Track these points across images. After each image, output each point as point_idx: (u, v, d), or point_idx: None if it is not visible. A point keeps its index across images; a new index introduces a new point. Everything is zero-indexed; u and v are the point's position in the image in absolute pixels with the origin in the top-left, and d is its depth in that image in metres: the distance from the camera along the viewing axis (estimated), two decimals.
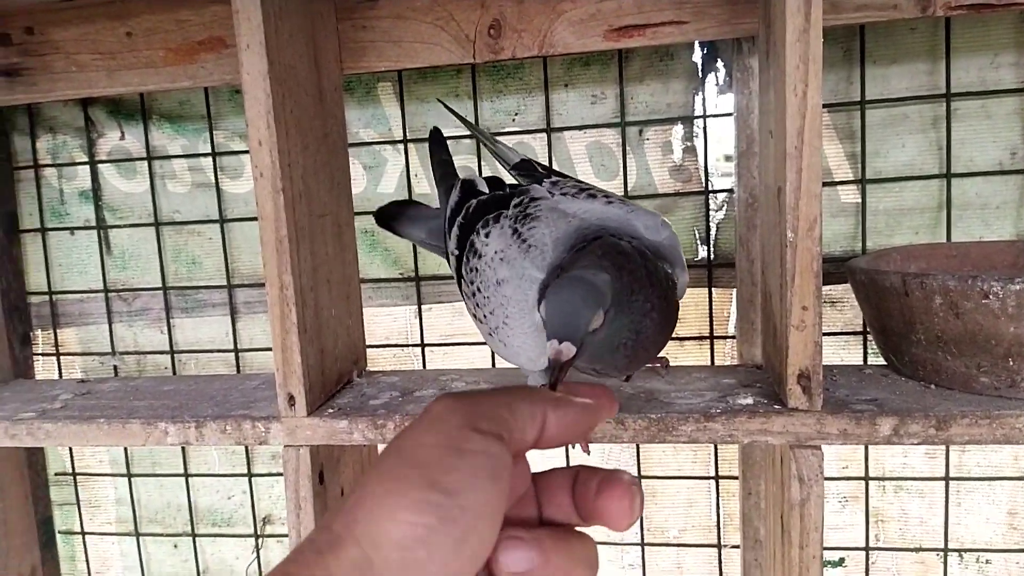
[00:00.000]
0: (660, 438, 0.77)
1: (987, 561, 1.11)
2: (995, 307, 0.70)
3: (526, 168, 0.86)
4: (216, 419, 0.85)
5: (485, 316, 0.78)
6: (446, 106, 0.99)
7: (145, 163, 1.21)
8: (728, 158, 1.07)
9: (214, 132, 1.18)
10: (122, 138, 1.22)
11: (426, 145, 1.12)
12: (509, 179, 0.89)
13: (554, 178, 0.83)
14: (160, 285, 1.24)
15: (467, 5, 0.93)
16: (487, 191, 0.84)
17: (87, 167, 1.23)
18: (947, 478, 1.08)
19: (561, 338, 0.59)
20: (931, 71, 1.02)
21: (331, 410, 0.85)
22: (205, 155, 1.19)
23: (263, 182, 0.78)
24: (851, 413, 0.74)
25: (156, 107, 1.20)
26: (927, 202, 1.05)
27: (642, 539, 1.18)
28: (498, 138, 1.10)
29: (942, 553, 1.11)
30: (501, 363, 1.17)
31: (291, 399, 0.82)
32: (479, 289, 0.78)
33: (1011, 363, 0.72)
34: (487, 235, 0.78)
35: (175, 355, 1.26)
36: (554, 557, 0.39)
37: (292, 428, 0.83)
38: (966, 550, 1.11)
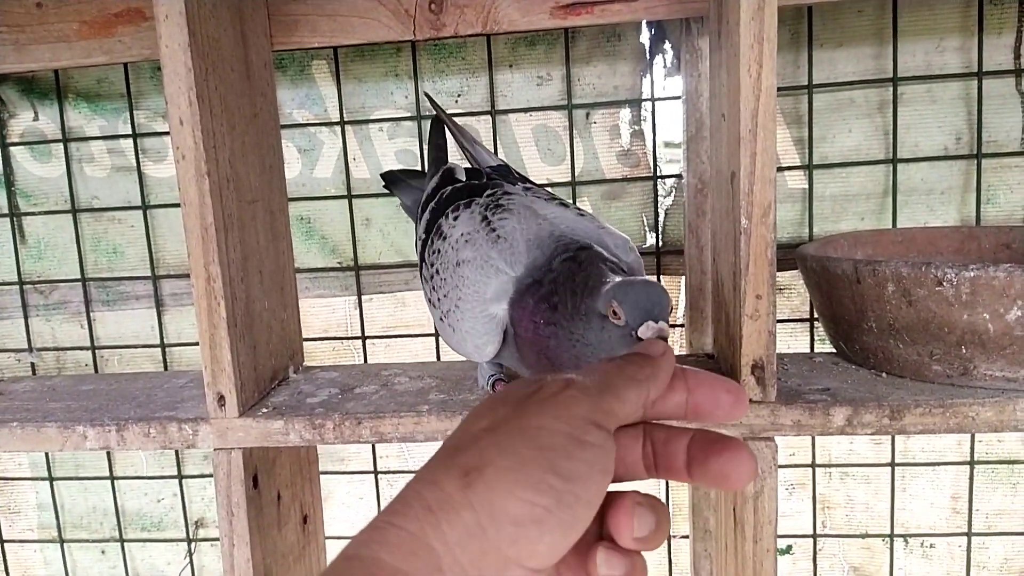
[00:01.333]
0: None
1: (931, 545, 1.12)
2: (949, 294, 0.69)
3: (501, 173, 0.85)
4: (139, 421, 0.79)
5: (439, 299, 0.76)
6: (429, 98, 0.95)
7: (61, 145, 1.12)
8: (669, 144, 1.05)
9: (135, 112, 1.11)
10: (35, 119, 1.13)
11: (365, 127, 1.09)
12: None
13: (528, 185, 0.83)
14: (79, 276, 1.16)
15: None
16: (464, 179, 0.83)
17: None
18: (892, 464, 1.09)
19: (655, 318, 0.59)
20: (877, 55, 1.01)
21: (265, 410, 0.80)
22: (125, 137, 1.12)
23: (186, 165, 0.73)
24: (805, 404, 0.72)
25: (72, 85, 1.11)
26: (873, 188, 1.04)
27: None
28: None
29: (888, 539, 1.11)
30: (446, 356, 1.13)
31: (221, 399, 0.77)
32: (438, 271, 0.76)
33: (964, 351, 0.71)
34: (455, 218, 0.77)
35: (97, 351, 1.18)
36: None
37: (222, 430, 0.78)
38: (911, 535, 1.12)
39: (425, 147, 0.92)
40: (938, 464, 1.09)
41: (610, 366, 0.44)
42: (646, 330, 0.59)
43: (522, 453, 0.38)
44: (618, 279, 0.63)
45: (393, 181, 0.98)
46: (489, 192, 0.78)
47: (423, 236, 0.81)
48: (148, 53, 0.93)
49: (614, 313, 0.61)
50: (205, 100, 0.73)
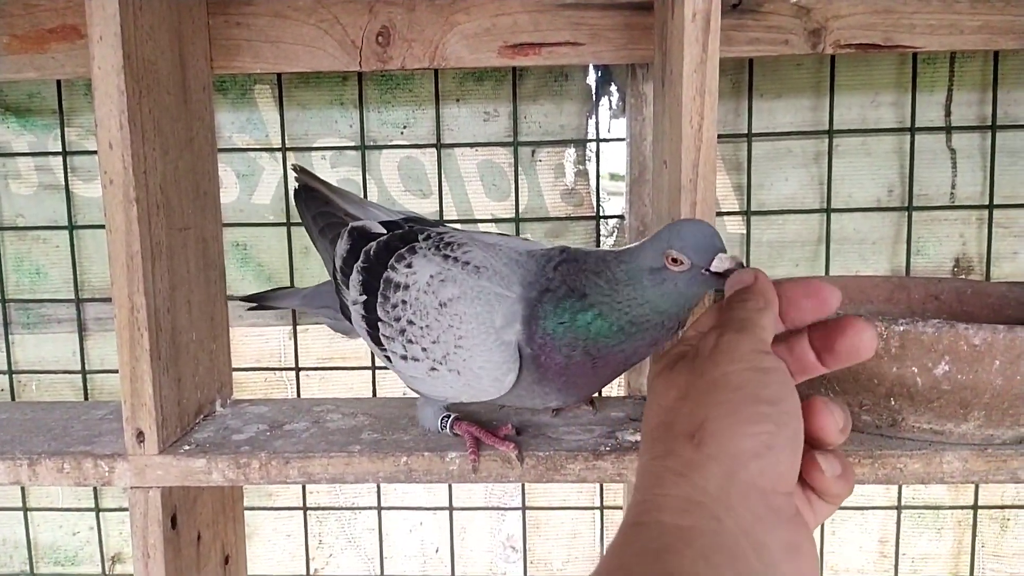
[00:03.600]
0: (548, 477, 0.73)
1: None
2: (879, 347, 0.70)
3: (417, 220, 0.82)
4: (52, 456, 0.75)
5: (424, 349, 0.71)
6: (300, 170, 0.87)
7: None
8: (614, 176, 1.05)
9: (66, 129, 1.07)
10: None
11: (307, 155, 1.07)
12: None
13: (447, 227, 0.81)
14: None
15: (354, 9, 0.87)
16: (384, 232, 0.78)
17: None
18: None
19: (722, 250, 0.60)
20: (815, 107, 1.04)
21: (187, 447, 0.76)
22: (55, 154, 1.07)
23: (113, 190, 0.70)
24: None
25: (1, 99, 1.07)
26: (808, 235, 1.06)
27: (525, 571, 1.14)
28: (386, 151, 1.05)
29: None
30: (382, 390, 1.11)
31: (140, 435, 0.74)
32: (411, 321, 0.72)
33: (893, 403, 0.73)
34: (408, 266, 0.73)
35: (14, 375, 1.12)
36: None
37: (140, 468, 0.74)
38: None
39: (304, 216, 0.86)
40: (866, 508, 1.11)
41: (729, 309, 0.50)
42: (720, 263, 0.59)
43: (726, 399, 0.44)
44: (652, 236, 0.63)
45: (261, 299, 0.96)
46: (424, 236, 0.75)
47: (362, 298, 0.76)
48: (82, 71, 0.90)
49: (674, 260, 0.60)
50: (137, 124, 0.70)
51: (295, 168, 0.86)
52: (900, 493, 1.09)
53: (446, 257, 0.72)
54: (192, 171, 0.82)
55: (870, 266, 1.07)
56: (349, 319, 0.80)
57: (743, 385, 0.44)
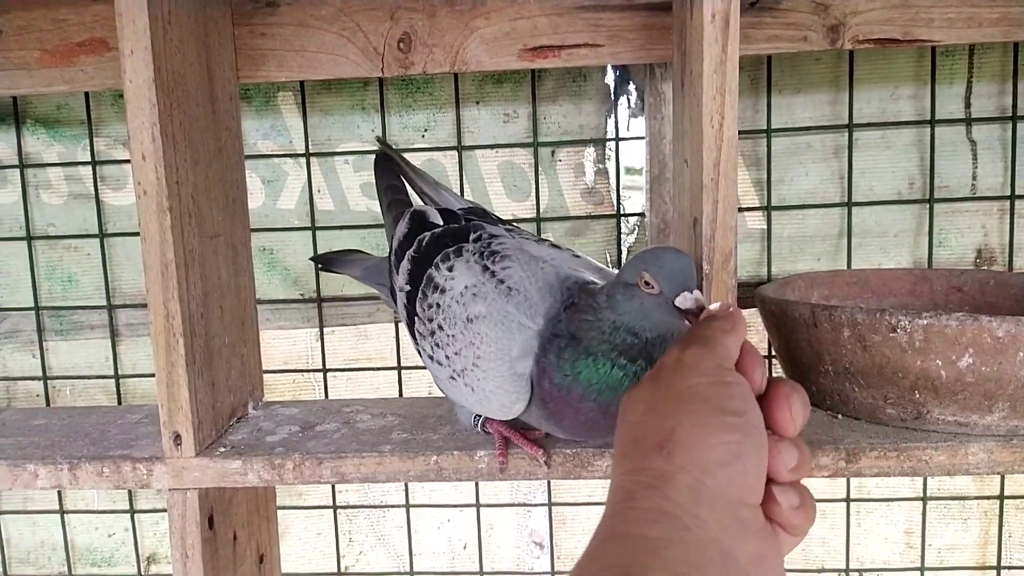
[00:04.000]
0: (576, 474, 0.75)
1: None
2: (902, 340, 0.71)
3: (477, 213, 0.83)
4: (92, 460, 0.77)
5: (448, 357, 0.72)
6: (382, 142, 0.92)
7: (17, 171, 1.10)
8: (630, 170, 1.06)
9: (95, 139, 1.09)
10: None
11: (330, 159, 1.08)
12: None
13: (509, 226, 0.81)
14: (32, 304, 1.13)
15: (376, 16, 0.88)
16: (441, 223, 0.79)
17: None
18: (848, 499, 1.10)
19: (690, 287, 0.60)
20: (834, 101, 1.04)
21: (223, 449, 0.78)
22: (84, 164, 1.10)
23: (147, 201, 0.72)
24: None
25: (31, 111, 1.09)
26: (829, 229, 1.07)
27: (552, 567, 1.16)
28: (408, 154, 1.07)
29: (843, 573, 1.13)
30: (409, 391, 1.12)
31: (177, 438, 0.76)
32: (440, 327, 0.73)
33: (917, 395, 0.73)
34: (450, 269, 0.73)
35: (49, 381, 1.15)
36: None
37: (178, 470, 0.76)
38: (866, 570, 1.13)
39: (379, 186, 0.89)
40: (892, 500, 1.11)
41: (699, 328, 0.52)
42: (684, 301, 0.60)
43: (693, 409, 0.45)
44: (631, 259, 0.65)
45: (329, 261, 0.95)
46: (475, 236, 0.76)
47: (407, 288, 0.77)
48: (111, 83, 0.92)
49: (647, 283, 0.61)
50: (169, 136, 0.72)
51: (378, 139, 0.89)
52: (925, 484, 1.10)
53: (485, 269, 0.72)
54: (221, 180, 0.84)
55: (892, 259, 1.07)
56: (396, 300, 0.81)
57: (709, 397, 0.46)
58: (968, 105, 1.04)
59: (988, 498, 1.10)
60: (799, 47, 0.87)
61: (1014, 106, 1.01)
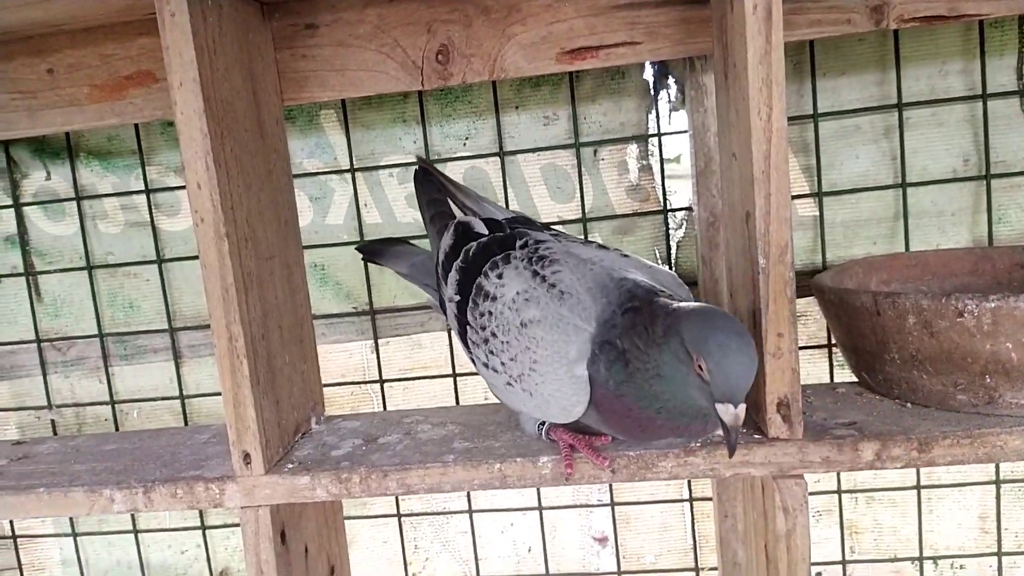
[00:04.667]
0: (640, 476, 0.74)
1: (961, 567, 1.11)
2: (970, 325, 0.69)
3: (521, 222, 0.84)
4: (165, 483, 0.80)
5: (503, 364, 0.73)
6: (422, 160, 0.92)
7: (74, 203, 1.14)
8: (669, 160, 1.05)
9: (147, 168, 1.12)
10: (48, 178, 1.15)
11: (375, 173, 1.09)
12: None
13: (554, 231, 0.82)
14: (96, 332, 1.16)
15: (413, 31, 0.89)
16: (486, 232, 0.80)
17: (11, 210, 1.15)
18: (919, 487, 1.08)
19: (736, 401, 0.59)
20: (881, 81, 1.02)
21: (290, 465, 0.80)
22: (138, 192, 1.13)
23: (204, 228, 0.73)
24: (832, 440, 0.72)
25: (83, 144, 1.13)
26: (883, 212, 1.04)
27: (619, 567, 1.15)
28: (451, 163, 1.07)
29: (917, 561, 1.10)
30: (465, 398, 1.13)
31: (247, 457, 0.77)
32: (494, 333, 0.73)
33: (988, 380, 0.71)
34: (499, 276, 0.74)
35: (116, 405, 1.18)
36: None
37: (249, 488, 0.78)
38: (940, 557, 1.11)
39: (420, 200, 0.90)
40: (964, 485, 1.09)
41: None
42: (724, 411, 0.60)
43: None
44: (728, 336, 0.61)
45: (374, 252, 0.95)
46: (521, 243, 0.77)
47: (457, 298, 0.78)
48: (160, 114, 0.94)
49: (700, 368, 0.61)
50: (222, 163, 0.73)
51: (417, 157, 0.91)
52: (998, 468, 1.07)
53: (535, 274, 0.73)
54: (273, 202, 0.86)
55: (950, 239, 1.04)
56: (445, 312, 0.82)
57: None
58: (1020, 76, 1.00)
59: None
60: (843, 30, 0.86)
61: None
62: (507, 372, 0.73)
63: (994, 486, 1.07)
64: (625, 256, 0.77)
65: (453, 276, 0.79)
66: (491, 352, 0.74)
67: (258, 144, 0.83)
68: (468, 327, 0.77)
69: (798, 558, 0.73)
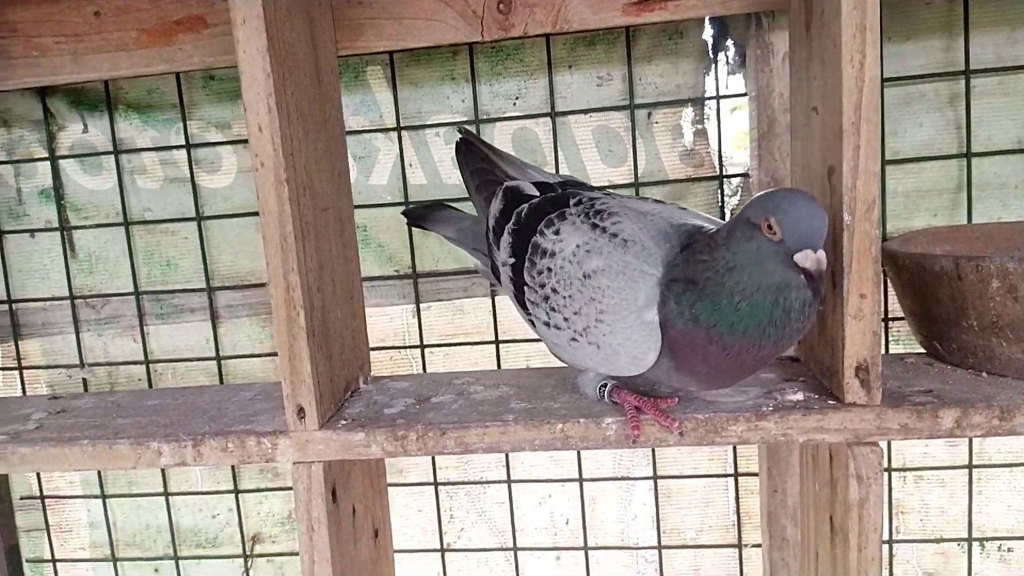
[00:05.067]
0: (709, 440, 0.72)
1: (1009, 549, 1.09)
2: None
3: (572, 184, 0.82)
4: (216, 436, 0.77)
5: (566, 319, 0.71)
6: (466, 132, 0.88)
7: (112, 157, 1.11)
8: (735, 108, 1.02)
9: (188, 122, 1.09)
10: (85, 131, 1.12)
11: (421, 133, 1.07)
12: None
13: (607, 191, 0.80)
14: (132, 290, 1.14)
15: None
16: (537, 194, 0.78)
17: (47, 163, 1.13)
18: (970, 466, 1.05)
19: (815, 247, 0.59)
20: (947, 47, 0.98)
21: (344, 421, 0.78)
22: (178, 147, 1.10)
23: (265, 173, 0.71)
24: (911, 406, 0.70)
25: (122, 96, 1.10)
26: (946, 183, 1.01)
27: (659, 542, 1.13)
28: (500, 123, 1.05)
29: (964, 543, 1.08)
30: (508, 366, 1.11)
31: (301, 411, 0.75)
32: (555, 290, 0.71)
33: None
34: (556, 232, 0.72)
35: (151, 365, 1.16)
36: None
37: (303, 443, 0.76)
38: (987, 539, 1.09)
39: (464, 171, 0.87)
40: (1016, 465, 1.06)
41: None
42: (804, 258, 0.60)
43: None
44: (762, 194, 0.63)
45: (420, 216, 0.93)
46: (575, 201, 0.75)
47: (511, 260, 0.76)
48: (210, 61, 0.92)
49: (769, 227, 0.60)
50: (283, 106, 0.71)
51: (460, 130, 0.87)
52: None
53: (594, 227, 0.71)
54: (328, 152, 0.83)
55: (1013, 212, 1.01)
56: (498, 278, 0.80)
57: None
58: None
59: None
60: None
61: None
62: (571, 327, 0.71)
63: None
64: (683, 209, 0.75)
65: (506, 239, 0.77)
66: (552, 309, 0.72)
67: (316, 91, 0.80)
68: (525, 287, 0.75)
69: (869, 528, 0.71)
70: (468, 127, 1.05)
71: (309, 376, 0.74)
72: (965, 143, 0.99)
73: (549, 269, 0.72)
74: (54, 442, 0.80)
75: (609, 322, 0.68)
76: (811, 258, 0.59)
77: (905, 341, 1.03)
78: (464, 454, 0.76)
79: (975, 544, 1.09)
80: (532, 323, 0.77)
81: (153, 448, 0.78)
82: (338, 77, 0.89)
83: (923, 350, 0.85)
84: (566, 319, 0.71)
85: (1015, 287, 0.69)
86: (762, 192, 0.65)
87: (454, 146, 0.88)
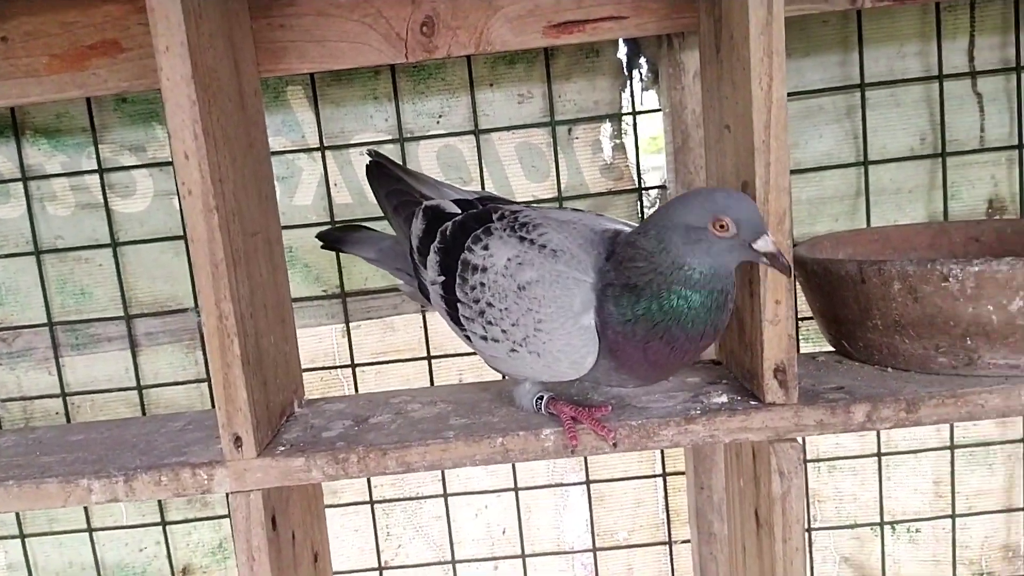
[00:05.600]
0: (642, 445, 0.75)
1: (917, 531, 1.16)
2: (954, 289, 0.73)
3: (491, 199, 0.84)
4: (148, 470, 0.76)
5: (504, 331, 0.73)
6: (374, 153, 0.88)
7: (20, 184, 1.07)
8: (648, 155, 1.06)
9: (100, 146, 1.06)
10: None
11: (345, 152, 1.07)
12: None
13: (525, 204, 0.83)
14: (45, 320, 1.10)
15: (397, 1, 0.87)
16: (458, 211, 0.79)
17: None
18: (879, 454, 1.12)
19: (765, 233, 0.65)
20: (843, 62, 1.05)
21: (282, 447, 0.77)
22: (90, 172, 1.07)
23: (192, 200, 0.70)
24: (825, 403, 0.74)
25: (29, 121, 1.06)
26: (846, 190, 1.08)
27: (593, 544, 1.16)
28: (424, 141, 1.06)
29: (877, 527, 1.15)
30: (440, 382, 1.12)
31: (237, 440, 0.74)
32: (490, 303, 0.73)
33: (969, 342, 0.75)
34: (485, 248, 0.74)
35: (67, 398, 1.12)
36: None
37: (240, 472, 0.75)
38: (897, 522, 1.16)
39: (377, 194, 0.88)
40: (919, 451, 1.14)
41: None
42: (765, 244, 0.65)
43: None
44: (684, 198, 0.69)
45: (336, 240, 0.92)
46: (498, 215, 0.77)
47: (440, 279, 0.78)
48: (126, 86, 0.90)
49: (721, 227, 0.65)
50: (210, 133, 0.70)
51: (369, 152, 0.87)
52: (952, 433, 1.12)
53: (522, 239, 0.73)
54: (255, 176, 0.83)
55: (907, 215, 1.09)
56: (427, 297, 0.81)
57: None
58: (971, 59, 1.06)
59: (1012, 442, 1.13)
60: (820, 7, 0.88)
61: (1017, 57, 1.04)
62: (510, 338, 0.73)
63: (948, 451, 1.13)
64: (600, 216, 0.79)
65: (433, 258, 0.78)
66: (489, 323, 0.74)
67: (240, 115, 0.80)
68: (459, 304, 0.76)
69: (792, 520, 0.75)
70: (393, 145, 1.06)
71: (245, 404, 0.74)
72: (862, 152, 1.06)
73: (482, 284, 0.74)
74: None
75: (548, 330, 0.71)
76: (769, 242, 0.66)
77: (814, 339, 1.09)
78: (405, 473, 0.76)
79: (887, 528, 1.16)
80: (468, 338, 0.78)
81: (83, 486, 0.76)
82: (262, 100, 0.88)
83: (832, 348, 0.90)
84: (504, 331, 0.73)
85: (915, 288, 0.75)
86: (687, 197, 0.69)
87: (364, 170, 0.88)
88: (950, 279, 0.73)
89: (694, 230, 0.66)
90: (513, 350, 0.73)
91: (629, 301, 0.68)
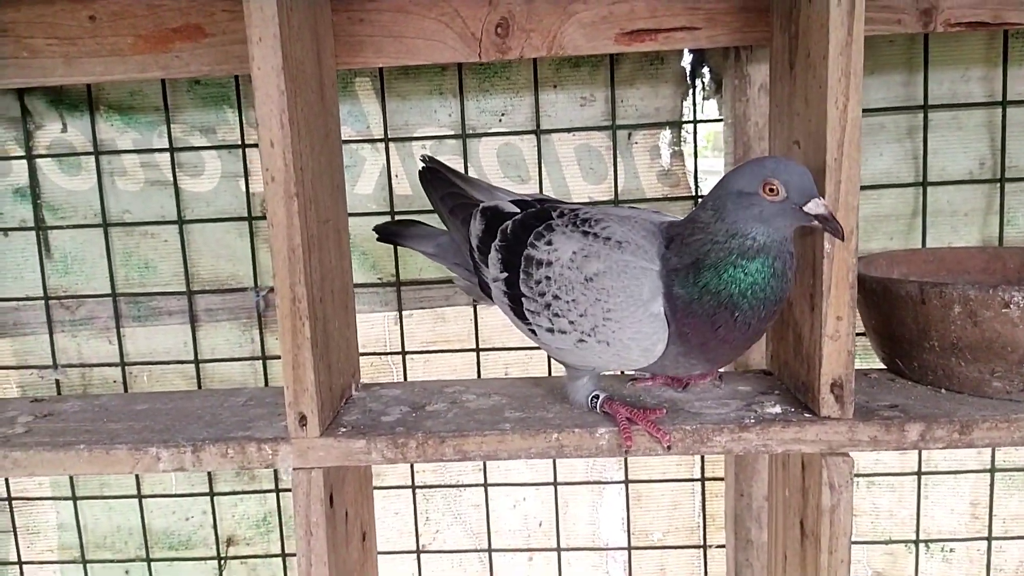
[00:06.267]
0: (695, 449, 0.76)
1: (951, 550, 1.17)
2: (1015, 316, 0.73)
3: (547, 200, 0.85)
4: (216, 442, 0.79)
5: (572, 322, 0.75)
6: (432, 160, 0.89)
7: (91, 158, 1.10)
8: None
9: (172, 126, 1.09)
10: (64, 130, 1.11)
11: (408, 144, 1.09)
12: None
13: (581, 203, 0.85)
14: (108, 291, 1.14)
15: (474, 2, 0.89)
16: (517, 211, 0.81)
17: (23, 162, 1.11)
18: (919, 472, 1.13)
19: (815, 196, 0.67)
20: (907, 82, 1.06)
21: (343, 429, 0.80)
22: (161, 151, 1.10)
23: (275, 187, 0.72)
24: (880, 420, 0.75)
25: (104, 97, 1.09)
26: (903, 209, 1.09)
27: (628, 543, 1.18)
28: (486, 138, 1.08)
29: (911, 544, 1.16)
30: (487, 374, 1.14)
31: (302, 419, 0.77)
32: (556, 296, 0.75)
33: None
34: (548, 243, 0.76)
35: (126, 367, 1.16)
36: None
37: (304, 450, 0.78)
38: (932, 540, 1.16)
39: (432, 197, 0.89)
40: (959, 472, 1.14)
41: None
42: (816, 207, 0.67)
43: None
44: (738, 168, 0.72)
45: (394, 234, 0.94)
46: (557, 213, 0.79)
47: (503, 275, 0.79)
48: (207, 70, 0.92)
49: (771, 190, 0.68)
50: (295, 122, 0.73)
51: (423, 158, 0.89)
52: (993, 456, 1.13)
53: (586, 233, 0.76)
54: (329, 165, 0.85)
55: (961, 238, 1.09)
56: (488, 295, 0.83)
57: None
58: None
59: None
60: (893, 29, 0.89)
61: None
62: (578, 329, 0.75)
63: (988, 474, 1.13)
64: (656, 212, 0.81)
65: (495, 256, 0.80)
66: (556, 315, 0.76)
67: (319, 106, 0.82)
68: (524, 298, 0.78)
69: (840, 532, 0.76)
70: (455, 140, 1.08)
71: (312, 385, 0.76)
72: (922, 173, 1.06)
73: (548, 278, 0.76)
74: (48, 447, 0.80)
75: (618, 319, 0.73)
76: (820, 204, 0.68)
77: (862, 355, 1.10)
78: (462, 461, 0.79)
79: (921, 545, 1.17)
80: (533, 332, 0.80)
81: (151, 454, 0.79)
82: (337, 92, 0.91)
83: (884, 366, 0.91)
84: (571, 322, 0.75)
85: (975, 312, 0.75)
86: (741, 166, 0.72)
87: (419, 175, 0.90)
88: (1011, 305, 0.73)
89: (746, 196, 0.69)
90: (581, 340, 0.75)
91: (691, 279, 0.70)
